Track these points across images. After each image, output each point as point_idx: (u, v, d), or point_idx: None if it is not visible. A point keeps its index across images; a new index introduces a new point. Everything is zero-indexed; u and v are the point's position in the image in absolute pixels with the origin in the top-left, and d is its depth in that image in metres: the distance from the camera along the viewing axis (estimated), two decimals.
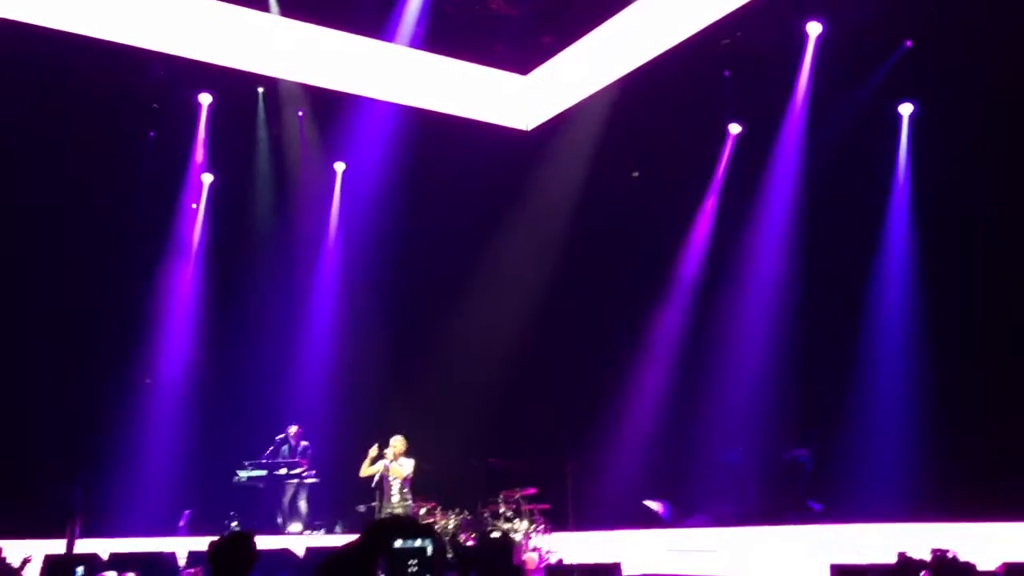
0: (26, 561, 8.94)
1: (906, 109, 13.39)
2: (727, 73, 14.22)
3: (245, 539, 3.64)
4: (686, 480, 14.21)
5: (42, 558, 9.40)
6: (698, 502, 13.96)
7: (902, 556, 7.52)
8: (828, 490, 12.82)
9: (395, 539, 3.02)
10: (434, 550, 3.03)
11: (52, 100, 13.70)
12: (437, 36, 14.61)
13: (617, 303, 15.85)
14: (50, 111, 13.80)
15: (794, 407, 13.24)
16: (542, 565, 11.68)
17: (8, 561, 9.12)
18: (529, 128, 16.06)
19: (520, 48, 15.30)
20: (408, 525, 3.15)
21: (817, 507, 12.71)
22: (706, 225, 15.34)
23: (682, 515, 13.94)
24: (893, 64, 13.01)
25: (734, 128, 14.99)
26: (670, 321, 15.43)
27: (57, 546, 10.95)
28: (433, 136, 15.26)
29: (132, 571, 7.49)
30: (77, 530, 11.47)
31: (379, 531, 2.90)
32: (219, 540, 3.71)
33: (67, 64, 13.07)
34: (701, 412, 14.17)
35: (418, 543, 3.08)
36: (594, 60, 14.81)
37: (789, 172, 13.91)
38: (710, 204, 15.28)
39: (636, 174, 16.05)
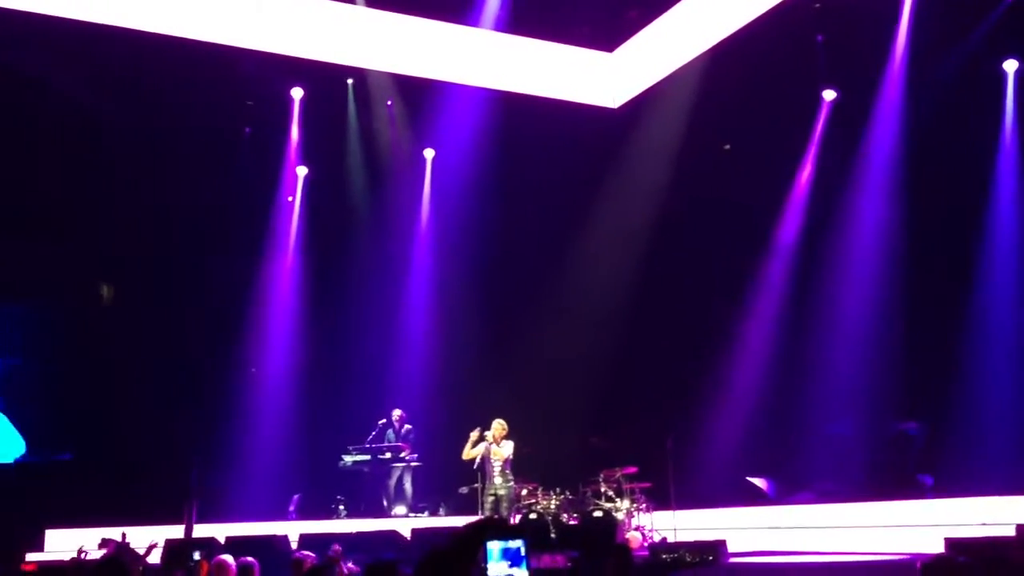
0: (152, 547, 9.33)
1: (1011, 66, 12.84)
2: (820, 37, 13.85)
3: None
4: (791, 455, 13.97)
5: (163, 543, 9.84)
6: (804, 478, 13.72)
7: (1021, 528, 7.33)
8: (940, 463, 12.45)
9: (489, 539, 3.07)
10: (526, 551, 3.06)
11: (152, 102, 14.21)
12: (521, 18, 14.59)
13: (715, 277, 15.63)
14: (151, 113, 14.34)
15: (902, 378, 12.86)
16: (645, 544, 11.66)
17: (133, 547, 9.57)
18: (617, 105, 15.90)
19: (605, 25, 15.15)
20: (502, 526, 3.20)
21: (929, 481, 12.36)
22: (803, 195, 14.98)
23: (787, 491, 13.72)
24: (995, 19, 12.46)
25: (829, 94, 14.58)
26: (771, 293, 15.15)
27: (176, 531, 11.44)
28: (521, 118, 15.27)
29: (247, 554, 7.68)
30: (194, 515, 11.94)
31: (477, 531, 2.95)
32: None
33: (165, 66, 13.46)
34: (805, 385, 13.88)
35: (510, 544, 3.12)
36: (681, 32, 14.56)
37: (888, 138, 13.48)
38: (806, 174, 14.91)
39: (728, 147, 15.76)
